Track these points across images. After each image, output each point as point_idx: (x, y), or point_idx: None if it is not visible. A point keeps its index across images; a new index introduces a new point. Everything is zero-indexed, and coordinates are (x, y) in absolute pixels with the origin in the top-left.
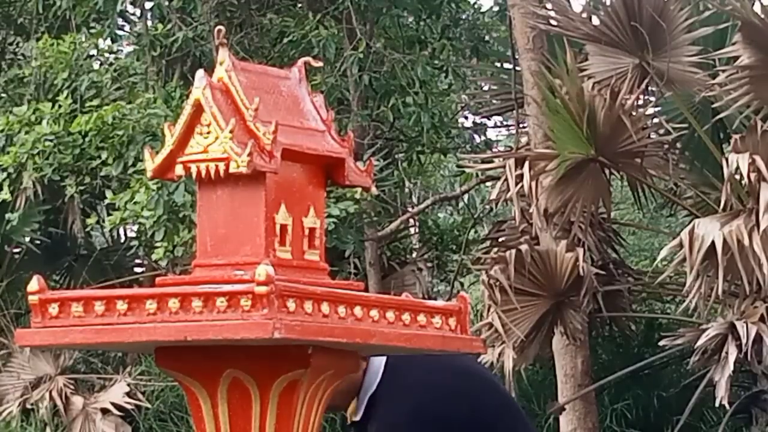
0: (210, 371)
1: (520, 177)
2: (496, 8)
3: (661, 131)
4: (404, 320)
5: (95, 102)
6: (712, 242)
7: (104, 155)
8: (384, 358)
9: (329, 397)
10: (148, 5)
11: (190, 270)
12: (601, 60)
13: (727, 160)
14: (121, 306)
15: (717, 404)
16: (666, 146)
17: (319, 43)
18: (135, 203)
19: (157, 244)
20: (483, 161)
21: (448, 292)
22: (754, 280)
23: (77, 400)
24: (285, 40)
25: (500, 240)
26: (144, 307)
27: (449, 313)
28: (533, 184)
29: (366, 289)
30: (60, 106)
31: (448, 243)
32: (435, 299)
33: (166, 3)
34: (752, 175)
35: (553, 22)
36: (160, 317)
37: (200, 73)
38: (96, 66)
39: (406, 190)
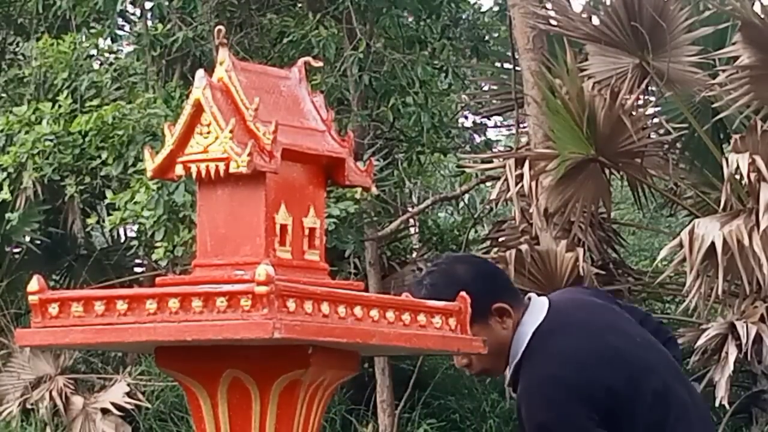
0: (210, 371)
1: (520, 177)
2: (496, 8)
3: (661, 131)
4: (404, 320)
5: (95, 102)
6: (712, 242)
7: (104, 155)
8: (534, 325)
9: (329, 397)
10: (148, 5)
11: (190, 270)
12: (601, 60)
13: (727, 160)
14: (121, 306)
15: (717, 404)
16: (666, 146)
17: (319, 43)
18: (135, 203)
19: (157, 244)
20: (483, 161)
21: None
22: (754, 280)
23: (77, 400)
24: (285, 40)
25: (500, 240)
26: (144, 307)
27: (449, 313)
28: (533, 184)
29: (366, 289)
30: (60, 106)
31: (448, 243)
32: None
33: (166, 3)
34: (752, 175)
35: (553, 22)
36: (160, 317)
37: (200, 73)
38: (96, 66)
39: (406, 190)
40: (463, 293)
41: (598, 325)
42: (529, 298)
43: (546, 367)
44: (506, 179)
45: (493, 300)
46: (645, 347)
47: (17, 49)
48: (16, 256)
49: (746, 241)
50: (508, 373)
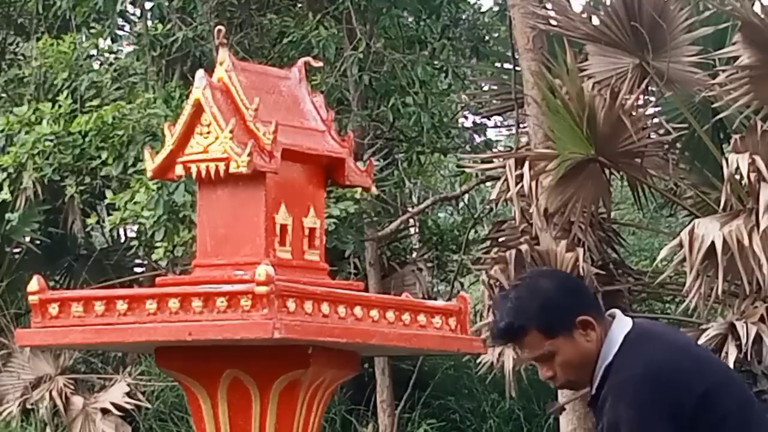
0: (210, 371)
1: (520, 177)
2: (496, 8)
3: (661, 131)
4: (404, 320)
5: (95, 102)
6: (712, 242)
7: (104, 155)
8: (624, 333)
9: (329, 397)
10: (148, 5)
11: (190, 270)
12: (601, 60)
13: (727, 160)
14: (121, 306)
15: None
16: (666, 146)
17: (319, 43)
18: (135, 203)
19: (157, 244)
20: (483, 161)
21: (448, 292)
22: (754, 280)
23: (77, 400)
24: (285, 40)
25: (500, 240)
26: (144, 307)
27: (449, 313)
28: (533, 184)
29: (366, 289)
30: (60, 106)
31: (448, 243)
32: (435, 299)
33: (166, 3)
34: (752, 175)
35: (553, 22)
36: (160, 317)
37: (200, 73)
38: (96, 66)
39: (406, 190)
40: (462, 293)
41: (685, 339)
42: (613, 316)
43: (638, 367)
44: (506, 179)
45: (577, 313)
46: (721, 361)
47: (17, 49)
48: (16, 256)
49: (746, 241)
50: (594, 382)
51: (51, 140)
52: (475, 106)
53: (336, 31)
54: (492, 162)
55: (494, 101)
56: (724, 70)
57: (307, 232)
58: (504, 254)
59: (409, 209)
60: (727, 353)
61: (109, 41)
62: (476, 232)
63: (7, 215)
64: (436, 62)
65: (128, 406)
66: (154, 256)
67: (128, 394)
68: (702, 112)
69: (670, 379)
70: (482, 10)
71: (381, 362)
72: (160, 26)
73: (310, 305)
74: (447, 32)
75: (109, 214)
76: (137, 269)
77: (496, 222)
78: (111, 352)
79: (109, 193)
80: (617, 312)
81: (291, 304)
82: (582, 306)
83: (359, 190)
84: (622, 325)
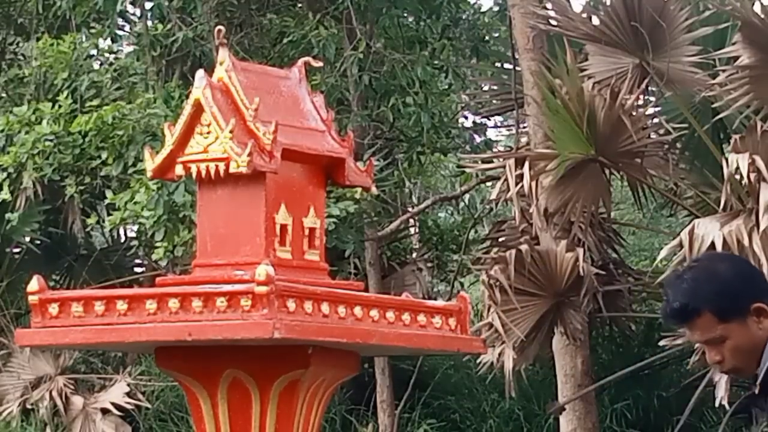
0: (210, 371)
1: (520, 177)
2: (496, 8)
3: (661, 131)
4: (404, 320)
5: (95, 102)
6: (712, 242)
7: (104, 155)
8: None
9: (329, 397)
10: (148, 5)
11: (190, 270)
12: (601, 60)
13: (727, 160)
14: (121, 306)
15: (717, 404)
16: (666, 146)
17: (319, 43)
18: (135, 203)
19: (157, 244)
20: (483, 161)
21: (448, 292)
22: None
23: (77, 400)
24: (285, 40)
25: (500, 240)
26: (144, 307)
27: (449, 313)
28: (533, 184)
29: (366, 289)
30: (60, 106)
31: (448, 243)
32: (435, 299)
33: (166, 3)
34: (752, 175)
35: (553, 22)
36: (160, 317)
37: (200, 73)
38: (96, 66)
39: (406, 190)
40: (462, 293)
41: None
42: None
43: None
44: (506, 179)
45: (753, 299)
46: None
47: (17, 49)
48: (16, 256)
49: (746, 241)
50: (760, 370)
51: (51, 140)
52: (475, 106)
53: (336, 31)
54: (492, 162)
55: (494, 101)
56: (724, 70)
57: (307, 232)
58: (504, 254)
59: (409, 209)
60: None
61: (109, 41)
62: (476, 232)
63: (7, 215)
64: (436, 62)
65: (128, 406)
66: (154, 256)
67: (128, 394)
68: (702, 112)
69: None
70: (482, 10)
71: (381, 362)
72: (160, 26)
73: (310, 305)
74: (447, 32)
75: (109, 214)
76: (137, 269)
77: (496, 222)
78: (111, 352)
79: (109, 193)
80: None
81: (291, 304)
82: (759, 293)
83: (359, 190)
84: None
